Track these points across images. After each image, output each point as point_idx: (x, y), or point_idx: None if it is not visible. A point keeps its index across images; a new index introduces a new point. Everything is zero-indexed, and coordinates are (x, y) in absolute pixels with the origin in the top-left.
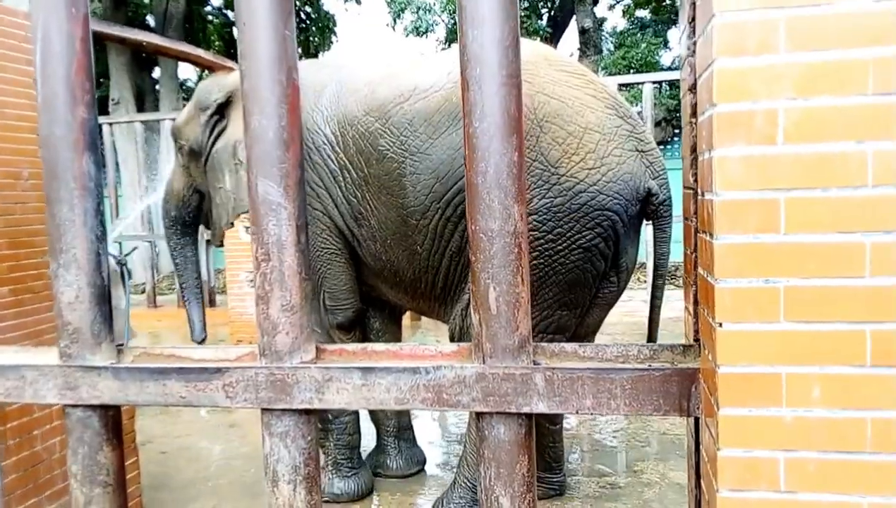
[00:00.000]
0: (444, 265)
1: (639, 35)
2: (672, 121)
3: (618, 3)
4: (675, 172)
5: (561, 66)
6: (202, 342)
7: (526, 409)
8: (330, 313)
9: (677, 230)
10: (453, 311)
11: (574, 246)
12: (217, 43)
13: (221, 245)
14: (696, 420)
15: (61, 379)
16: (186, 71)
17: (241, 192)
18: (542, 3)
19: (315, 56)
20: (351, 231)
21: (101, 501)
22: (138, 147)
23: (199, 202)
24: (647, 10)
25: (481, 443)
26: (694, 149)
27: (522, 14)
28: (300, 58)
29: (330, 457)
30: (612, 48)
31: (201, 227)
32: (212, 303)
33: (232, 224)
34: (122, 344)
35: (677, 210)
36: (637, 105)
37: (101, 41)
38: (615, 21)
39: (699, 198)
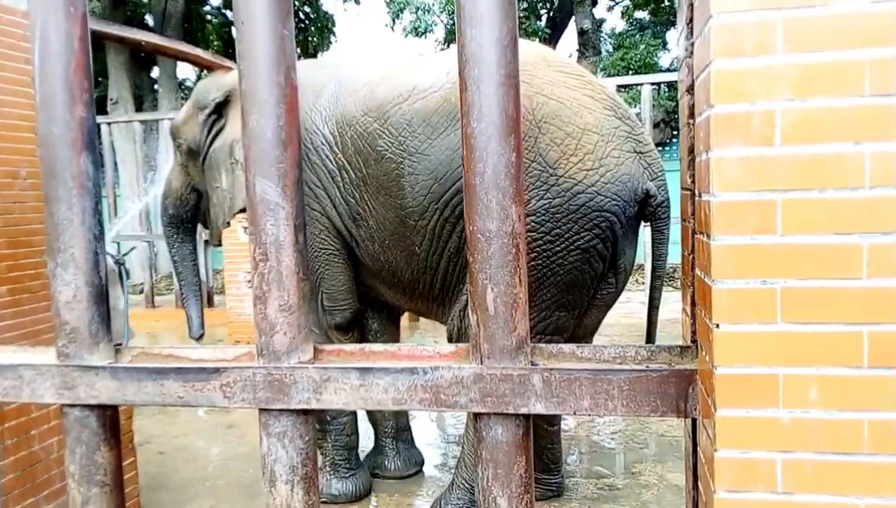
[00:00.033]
0: (442, 266)
1: (637, 36)
2: (671, 123)
3: (617, 4)
4: (674, 174)
5: (559, 67)
6: (200, 339)
7: (524, 410)
8: (328, 313)
9: (675, 232)
10: (451, 312)
11: (572, 247)
12: (216, 43)
13: (219, 244)
14: (694, 421)
15: (59, 378)
16: (185, 71)
17: (236, 192)
18: (540, 4)
19: (314, 56)
20: (349, 231)
21: (98, 501)
22: (137, 147)
23: (197, 201)
24: (646, 12)
25: (479, 444)
26: (691, 150)
27: (521, 15)
28: (299, 58)
29: (328, 458)
30: (611, 49)
31: (200, 226)
32: (210, 304)
33: (228, 223)
34: (120, 344)
35: (675, 211)
36: (636, 106)
37: (99, 40)
38: (614, 22)
39: (696, 199)
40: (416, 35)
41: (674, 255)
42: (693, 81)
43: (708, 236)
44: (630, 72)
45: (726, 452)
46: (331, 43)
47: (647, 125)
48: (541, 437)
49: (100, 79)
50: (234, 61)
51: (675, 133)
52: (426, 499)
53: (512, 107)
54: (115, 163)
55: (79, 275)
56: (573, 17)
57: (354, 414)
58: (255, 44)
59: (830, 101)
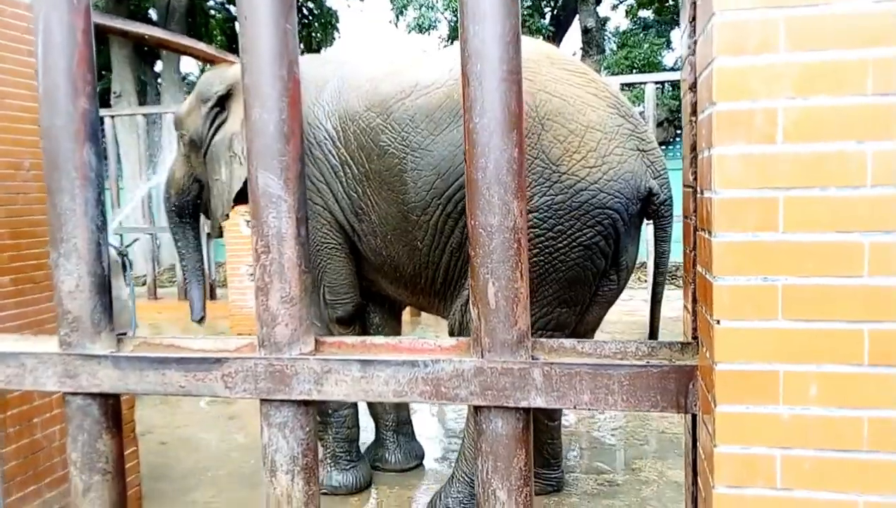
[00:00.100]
0: (444, 261)
1: (641, 35)
2: (674, 122)
3: (621, 2)
4: (677, 172)
5: (563, 65)
6: (201, 321)
7: (524, 404)
8: (330, 307)
9: (678, 230)
10: (453, 307)
11: (574, 243)
12: (219, 37)
13: (220, 236)
14: (694, 417)
15: (61, 366)
16: (189, 65)
17: (234, 185)
18: (545, 2)
19: (317, 52)
20: (351, 226)
21: (100, 488)
22: (140, 140)
23: (199, 191)
24: (650, 11)
25: (479, 437)
26: (694, 148)
27: (525, 13)
28: (302, 53)
29: (329, 450)
30: (615, 48)
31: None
32: (212, 296)
33: (228, 215)
34: (123, 333)
35: (678, 210)
36: (639, 105)
37: (103, 34)
38: (618, 21)
39: (698, 196)
40: (420, 31)
41: (676, 254)
42: (696, 79)
43: (709, 233)
44: (634, 70)
45: (726, 448)
46: (334, 39)
47: (651, 124)
48: (541, 432)
49: (103, 72)
50: (238, 56)
51: (678, 132)
52: (426, 492)
53: (514, 103)
54: (119, 157)
55: (81, 265)
56: (577, 16)
57: (355, 407)
58: (258, 38)
59: (833, 100)
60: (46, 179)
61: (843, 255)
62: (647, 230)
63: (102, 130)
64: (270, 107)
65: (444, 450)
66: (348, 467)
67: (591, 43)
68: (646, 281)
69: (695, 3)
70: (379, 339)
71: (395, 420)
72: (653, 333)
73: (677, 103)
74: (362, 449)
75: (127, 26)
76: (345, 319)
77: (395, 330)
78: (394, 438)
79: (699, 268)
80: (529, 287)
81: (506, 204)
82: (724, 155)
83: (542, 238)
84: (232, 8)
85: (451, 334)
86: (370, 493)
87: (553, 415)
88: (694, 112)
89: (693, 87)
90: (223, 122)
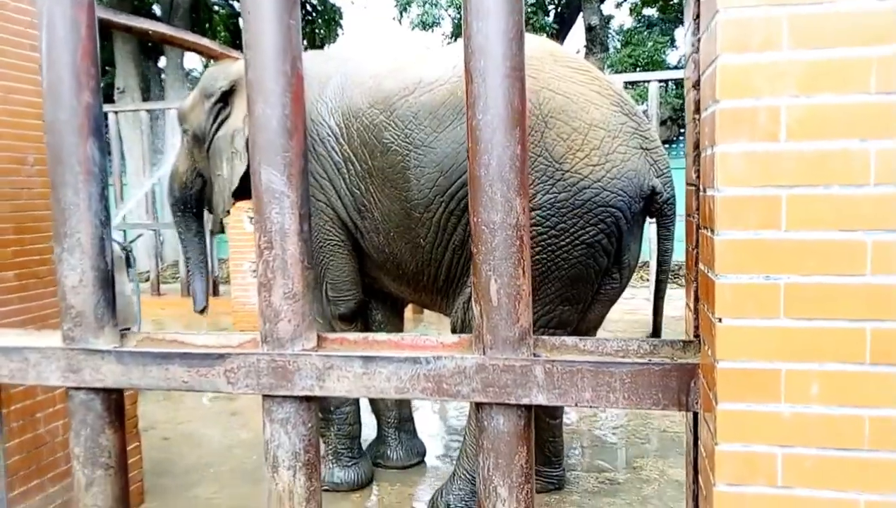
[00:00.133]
0: (446, 258)
1: (645, 33)
2: (678, 120)
3: (625, 1)
4: (680, 171)
5: (567, 63)
6: (203, 311)
7: (525, 401)
8: (332, 304)
9: (681, 228)
10: (455, 304)
11: (577, 241)
12: (223, 33)
13: (222, 232)
14: (695, 415)
15: (64, 361)
16: (192, 61)
17: (234, 180)
18: (548, 0)
19: (321, 48)
20: (354, 223)
21: (102, 482)
22: (143, 136)
23: (202, 186)
24: (655, 9)
25: (480, 434)
26: (697, 146)
27: (529, 10)
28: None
29: (331, 447)
30: (619, 46)
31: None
32: (215, 293)
33: (229, 212)
34: (127, 329)
35: (681, 209)
36: (643, 103)
37: (107, 29)
38: (622, 19)
39: (701, 194)
40: (424, 28)
41: (678, 253)
42: (699, 77)
43: (712, 231)
44: (637, 69)
45: (727, 446)
46: (338, 35)
47: (654, 122)
48: (543, 430)
49: (107, 68)
50: (241, 52)
51: (682, 130)
52: (427, 489)
53: (517, 100)
54: (122, 153)
55: (85, 260)
56: (581, 14)
57: (357, 404)
58: (261, 34)
59: (836, 98)
60: (50, 174)
61: (846, 254)
62: (650, 228)
63: (106, 125)
64: (274, 103)
65: (446, 447)
66: (350, 463)
67: (595, 41)
68: (648, 280)
69: (699, 1)
70: (381, 336)
71: (396, 417)
72: (656, 330)
73: (681, 102)
74: (364, 446)
75: (131, 21)
76: (347, 316)
77: (398, 327)
78: (395, 435)
79: (701, 266)
80: (532, 284)
81: (508, 201)
82: (727, 152)
83: (545, 235)
84: (236, 4)
85: (454, 331)
86: (371, 490)
87: (554, 413)
88: (697, 110)
89: (696, 85)
90: (226, 118)
